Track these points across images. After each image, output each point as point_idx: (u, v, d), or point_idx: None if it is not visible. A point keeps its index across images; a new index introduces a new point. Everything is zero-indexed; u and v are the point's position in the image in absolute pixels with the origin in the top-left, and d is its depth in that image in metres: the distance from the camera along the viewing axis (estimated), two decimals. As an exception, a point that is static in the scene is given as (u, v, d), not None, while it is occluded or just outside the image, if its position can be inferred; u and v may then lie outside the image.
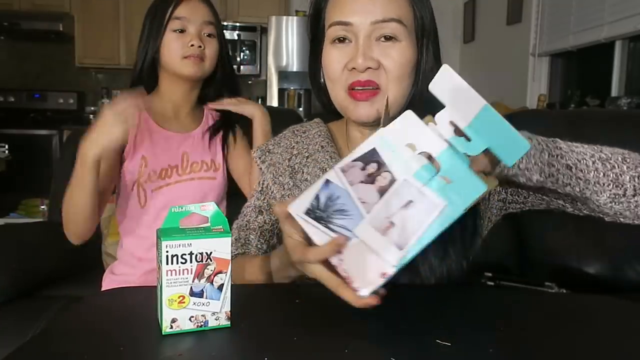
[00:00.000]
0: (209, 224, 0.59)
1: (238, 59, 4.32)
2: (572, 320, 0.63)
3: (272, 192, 0.92)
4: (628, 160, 0.68)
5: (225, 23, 4.29)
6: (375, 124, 0.83)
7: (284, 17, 4.11)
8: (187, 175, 1.25)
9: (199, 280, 0.56)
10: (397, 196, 0.54)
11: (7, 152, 2.92)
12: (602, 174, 0.66)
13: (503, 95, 3.43)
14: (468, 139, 0.53)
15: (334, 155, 0.88)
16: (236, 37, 4.31)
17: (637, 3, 2.55)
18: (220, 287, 0.57)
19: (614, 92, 2.86)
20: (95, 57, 4.29)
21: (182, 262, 0.55)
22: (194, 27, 1.23)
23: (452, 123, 0.54)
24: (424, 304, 0.67)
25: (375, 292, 0.55)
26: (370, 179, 0.55)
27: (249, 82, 4.61)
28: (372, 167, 0.55)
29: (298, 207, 0.57)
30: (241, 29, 4.32)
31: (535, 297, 0.65)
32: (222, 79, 1.32)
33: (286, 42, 4.09)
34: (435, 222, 0.53)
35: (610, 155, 0.68)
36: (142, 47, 1.25)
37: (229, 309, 0.58)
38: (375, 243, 0.55)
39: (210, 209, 0.59)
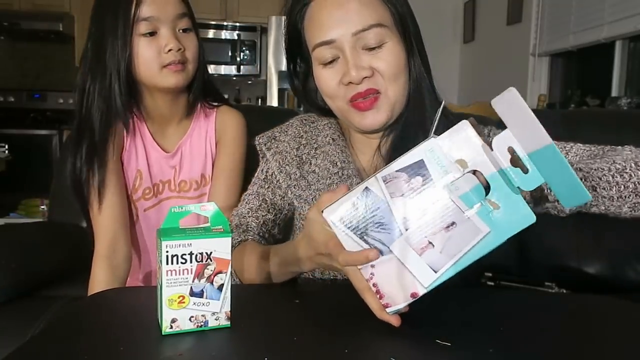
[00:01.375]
0: (209, 224, 0.59)
1: (238, 59, 4.32)
2: (572, 320, 0.63)
3: (277, 181, 0.91)
4: (639, 165, 0.69)
5: (225, 23, 4.29)
6: (382, 129, 0.83)
7: (284, 17, 4.10)
8: (177, 194, 1.14)
9: (199, 280, 0.56)
10: (441, 216, 0.51)
11: (7, 152, 2.92)
12: (622, 186, 0.67)
13: (503, 95, 3.43)
14: (524, 171, 0.50)
15: (345, 149, 0.88)
16: (236, 37, 4.31)
17: (637, 3, 2.55)
18: (220, 287, 0.57)
19: (614, 92, 2.86)
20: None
21: (182, 262, 0.55)
22: (167, 26, 1.00)
23: (510, 150, 0.50)
24: (424, 304, 0.67)
25: (398, 311, 0.55)
26: (414, 194, 0.52)
27: (249, 82, 4.61)
28: (417, 181, 0.52)
29: (332, 213, 0.54)
30: (241, 29, 4.32)
31: (535, 297, 0.65)
32: (202, 81, 1.11)
33: (286, 42, 4.09)
34: (476, 248, 0.51)
35: (624, 165, 0.69)
36: (110, 62, 0.99)
37: (229, 309, 0.58)
38: (411, 262, 0.53)
39: (210, 209, 0.59)
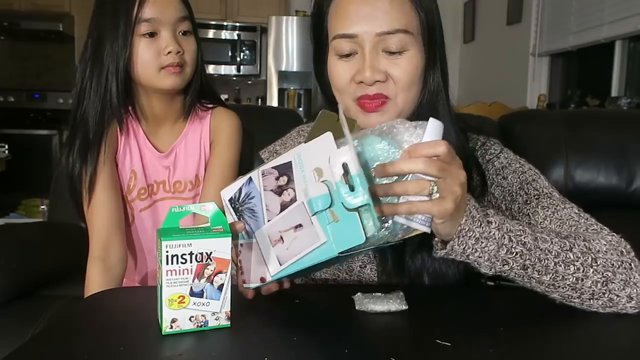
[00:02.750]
0: (209, 224, 0.59)
1: (238, 59, 4.32)
2: (573, 320, 0.63)
3: None
4: (599, 262, 0.64)
5: (225, 23, 4.29)
6: None
7: (284, 17, 4.11)
8: (172, 194, 1.13)
9: (199, 280, 0.56)
10: (292, 216, 0.56)
11: (7, 152, 2.92)
12: (561, 276, 0.62)
13: (503, 95, 3.43)
14: (351, 189, 0.51)
15: None
16: (236, 37, 4.31)
17: (637, 3, 2.55)
18: (220, 287, 0.57)
19: (614, 92, 2.86)
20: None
21: (182, 262, 0.55)
22: (167, 28, 1.01)
23: (344, 166, 0.52)
24: (424, 305, 0.67)
25: (252, 288, 0.63)
26: (279, 191, 0.58)
27: (249, 82, 4.61)
28: (283, 180, 0.58)
29: (226, 193, 0.64)
30: (241, 29, 4.32)
31: (535, 297, 0.65)
32: (199, 84, 1.11)
33: (286, 42, 4.09)
34: (313, 254, 0.54)
35: (579, 256, 0.63)
36: (108, 60, 1.00)
37: (229, 309, 0.58)
38: (265, 250, 0.59)
39: (210, 209, 0.59)
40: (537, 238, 0.62)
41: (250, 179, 0.61)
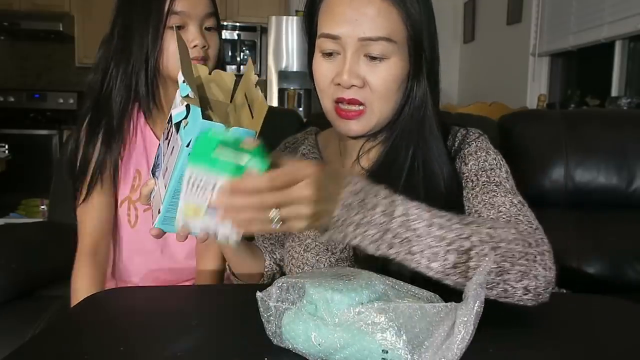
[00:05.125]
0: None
1: (238, 59, 4.32)
2: (573, 320, 0.63)
3: None
4: (497, 252, 0.61)
5: (225, 23, 4.29)
6: (364, 137, 0.82)
7: (284, 17, 4.11)
8: None
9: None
10: (170, 144, 0.61)
11: (7, 152, 2.92)
12: (451, 264, 0.60)
13: (503, 95, 3.43)
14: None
15: (317, 160, 0.88)
16: (236, 37, 4.31)
17: (637, 3, 2.55)
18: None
19: (614, 92, 2.86)
20: (95, 57, 4.28)
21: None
22: (195, 23, 1.04)
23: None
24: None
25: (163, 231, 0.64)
26: (168, 135, 0.63)
27: (249, 82, 4.60)
28: (170, 125, 0.63)
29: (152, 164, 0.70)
30: (241, 29, 4.32)
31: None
32: None
33: (286, 42, 4.09)
34: (178, 163, 0.57)
35: (476, 245, 0.60)
36: (138, 52, 1.03)
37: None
38: (160, 186, 0.63)
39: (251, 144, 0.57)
40: (433, 224, 0.60)
41: (159, 145, 0.67)
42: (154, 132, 1.12)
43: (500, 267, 0.61)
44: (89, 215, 1.06)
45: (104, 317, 0.63)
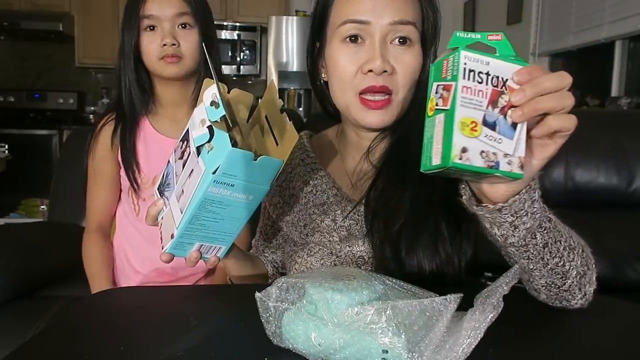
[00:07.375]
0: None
1: (238, 59, 4.32)
2: (573, 320, 0.63)
3: (268, 213, 0.93)
4: (584, 255, 0.63)
5: (225, 23, 4.29)
6: (380, 130, 0.82)
7: (284, 17, 4.11)
8: None
9: (493, 110, 0.48)
10: (187, 167, 0.61)
11: (7, 152, 2.92)
12: (562, 262, 0.60)
13: (503, 95, 3.43)
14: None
15: (315, 165, 0.87)
16: (236, 37, 4.31)
17: (637, 3, 2.55)
18: (514, 125, 0.49)
19: (614, 92, 2.86)
20: (95, 57, 4.28)
21: (478, 82, 0.48)
22: (166, 23, 1.13)
23: (213, 96, 0.59)
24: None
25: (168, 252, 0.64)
26: (184, 155, 0.62)
27: (249, 82, 4.61)
28: (185, 144, 0.62)
29: (155, 186, 0.70)
30: (241, 29, 4.32)
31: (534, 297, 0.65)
32: (205, 73, 1.19)
33: (286, 42, 4.09)
34: (199, 187, 0.57)
35: (576, 245, 0.62)
36: (129, 52, 1.16)
37: (523, 155, 0.50)
38: (173, 209, 0.63)
39: (498, 38, 0.53)
40: (555, 219, 0.60)
41: (168, 162, 0.67)
42: (151, 124, 1.21)
43: (581, 271, 0.62)
44: (97, 194, 1.23)
45: (104, 317, 0.63)
